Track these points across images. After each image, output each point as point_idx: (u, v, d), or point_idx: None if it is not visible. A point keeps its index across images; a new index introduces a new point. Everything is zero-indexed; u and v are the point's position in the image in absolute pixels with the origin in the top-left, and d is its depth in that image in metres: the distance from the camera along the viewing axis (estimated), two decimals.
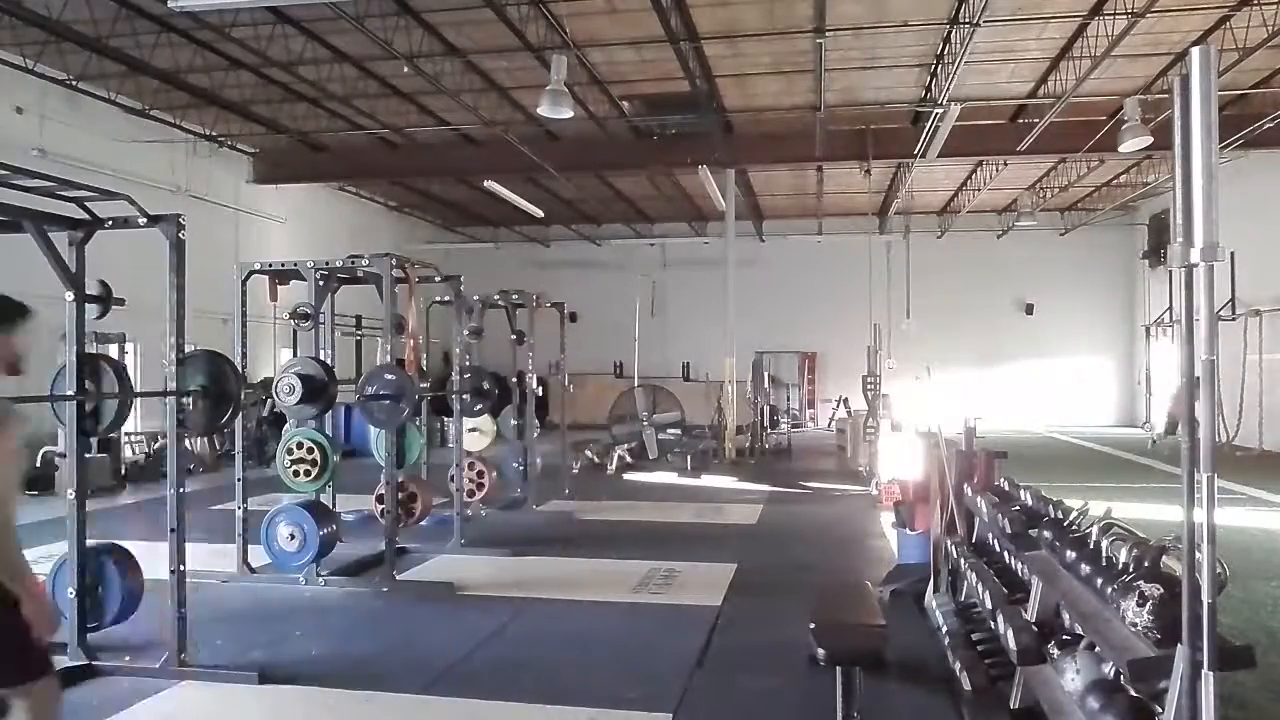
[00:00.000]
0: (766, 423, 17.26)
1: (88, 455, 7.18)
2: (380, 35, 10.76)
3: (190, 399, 4.80)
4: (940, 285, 23.54)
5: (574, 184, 19.34)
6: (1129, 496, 10.05)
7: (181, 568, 4.56)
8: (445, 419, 10.46)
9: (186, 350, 4.70)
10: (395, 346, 6.89)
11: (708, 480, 13.03)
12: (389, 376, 6.50)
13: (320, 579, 6.42)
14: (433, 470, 8.57)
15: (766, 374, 18.90)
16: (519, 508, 9.90)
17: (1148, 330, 22.18)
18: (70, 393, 4.56)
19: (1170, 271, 17.58)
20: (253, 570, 6.54)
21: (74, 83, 12.66)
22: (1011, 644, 3.63)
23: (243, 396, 5.36)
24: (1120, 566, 3.12)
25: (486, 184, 18.00)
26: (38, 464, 11.78)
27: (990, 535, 4.95)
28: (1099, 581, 3.17)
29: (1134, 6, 10.06)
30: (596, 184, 20.17)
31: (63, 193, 4.63)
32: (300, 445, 6.44)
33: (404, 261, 6.96)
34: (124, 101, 13.65)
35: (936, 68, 13.02)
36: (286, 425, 6.79)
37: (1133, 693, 2.86)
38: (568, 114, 11.77)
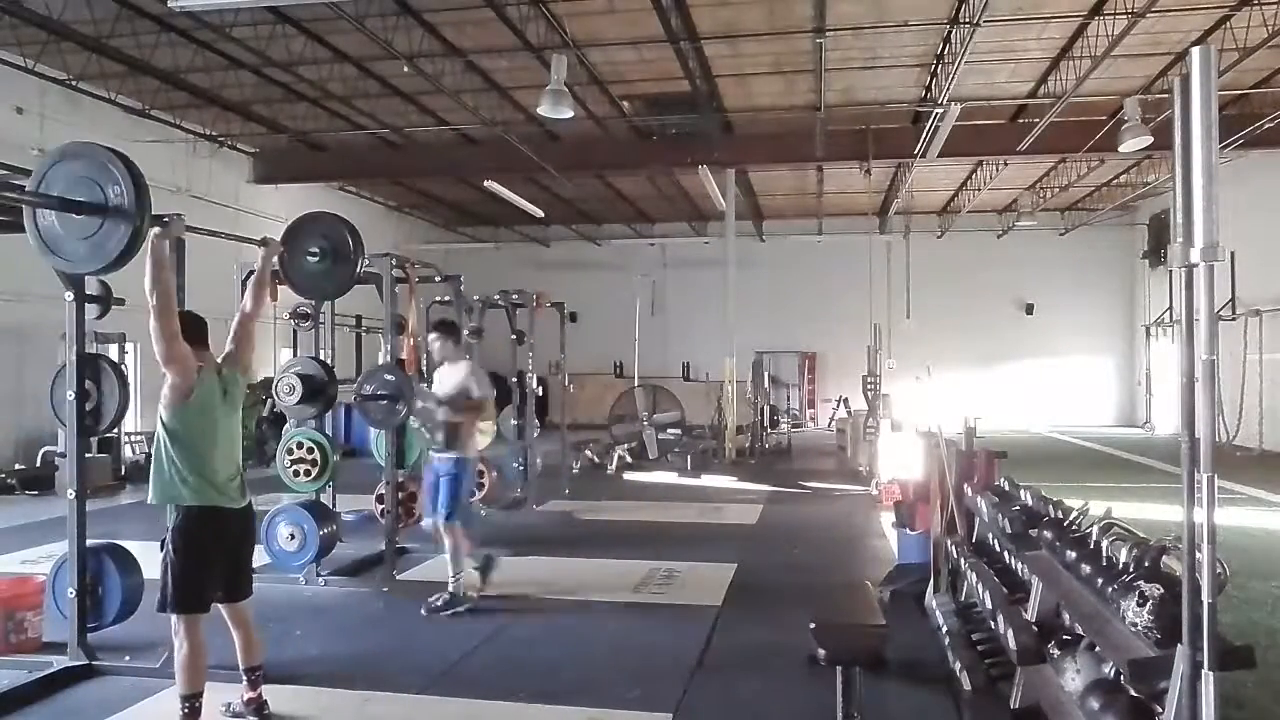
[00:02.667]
0: (766, 423, 17.26)
1: (88, 455, 7.19)
2: (380, 35, 10.76)
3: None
4: (940, 285, 23.54)
5: (574, 184, 19.34)
6: (1129, 496, 10.05)
7: None
8: None
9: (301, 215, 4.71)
10: (395, 346, 6.89)
11: (708, 480, 13.03)
12: (388, 377, 6.49)
13: (320, 579, 6.42)
14: None
15: (766, 374, 18.91)
16: (519, 508, 9.90)
17: (1148, 330, 22.20)
18: (73, 392, 4.55)
19: (1170, 271, 17.61)
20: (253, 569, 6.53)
21: (74, 83, 12.66)
22: (1011, 644, 3.64)
23: (361, 261, 5.47)
24: (1120, 566, 3.12)
25: (486, 184, 18.00)
26: (38, 464, 11.79)
27: (990, 535, 4.95)
28: (1099, 581, 3.17)
29: (1134, 6, 10.06)
30: (596, 184, 20.17)
31: None
32: (300, 445, 6.45)
33: (404, 261, 6.96)
34: (124, 101, 13.65)
35: (936, 68, 13.02)
36: (286, 425, 6.79)
37: (1133, 693, 2.86)
38: (568, 114, 11.77)
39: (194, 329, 3.88)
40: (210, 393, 3.84)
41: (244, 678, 4.02)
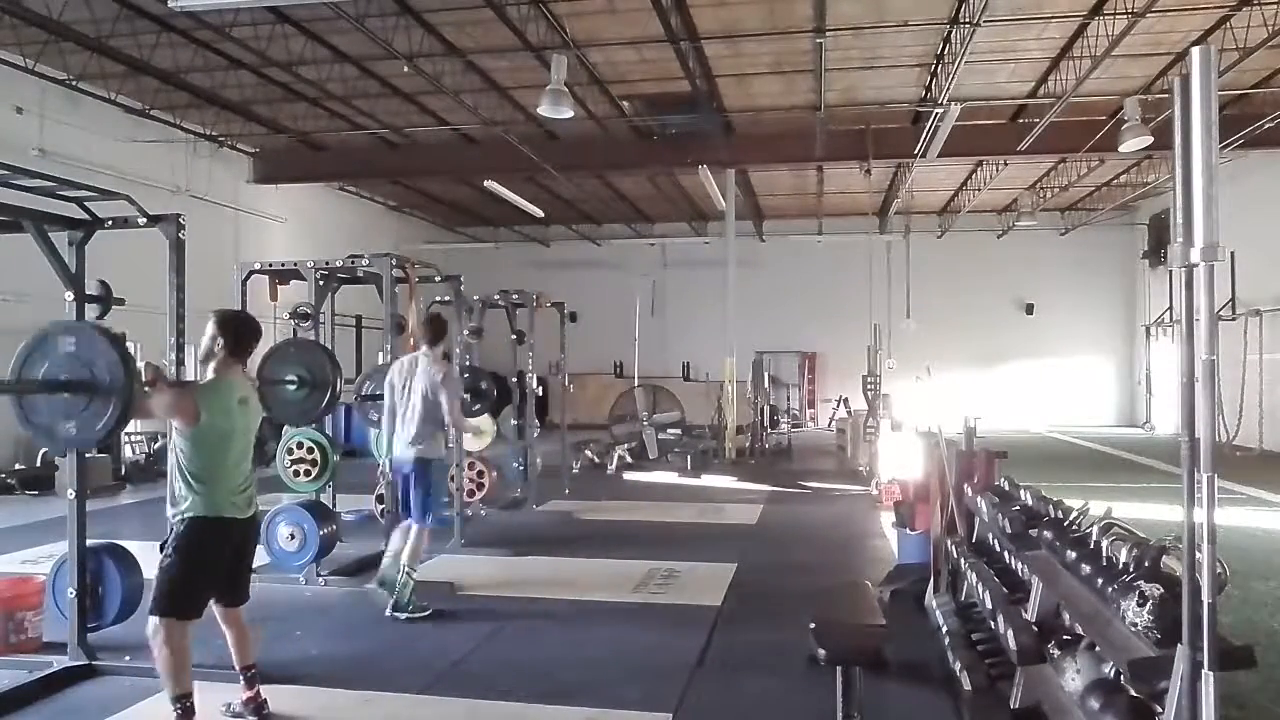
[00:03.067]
0: (766, 423, 17.26)
1: (88, 455, 7.18)
2: (380, 35, 10.76)
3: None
4: (940, 285, 23.54)
5: (574, 184, 19.34)
6: (1129, 496, 10.05)
7: None
8: None
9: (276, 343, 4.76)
10: (395, 346, 6.89)
11: (708, 480, 13.03)
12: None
13: (320, 579, 6.42)
14: None
15: (766, 374, 18.91)
16: (519, 508, 9.90)
17: (1148, 330, 22.20)
18: None
19: (1170, 271, 17.59)
20: (252, 570, 6.53)
21: (74, 83, 12.65)
22: (1011, 644, 3.63)
23: (339, 385, 5.51)
24: (1120, 566, 3.12)
25: (486, 184, 18.00)
26: (38, 464, 11.79)
27: (990, 535, 4.95)
28: (1099, 581, 3.17)
29: (1134, 6, 10.06)
30: (596, 184, 20.17)
31: (63, 193, 4.64)
32: (300, 445, 6.45)
33: (404, 261, 6.96)
34: (124, 101, 13.65)
35: (936, 68, 13.02)
36: (286, 425, 6.79)
37: (1133, 693, 2.86)
38: (568, 114, 11.77)
39: (246, 340, 3.93)
40: (223, 408, 3.82)
41: (240, 678, 4.03)
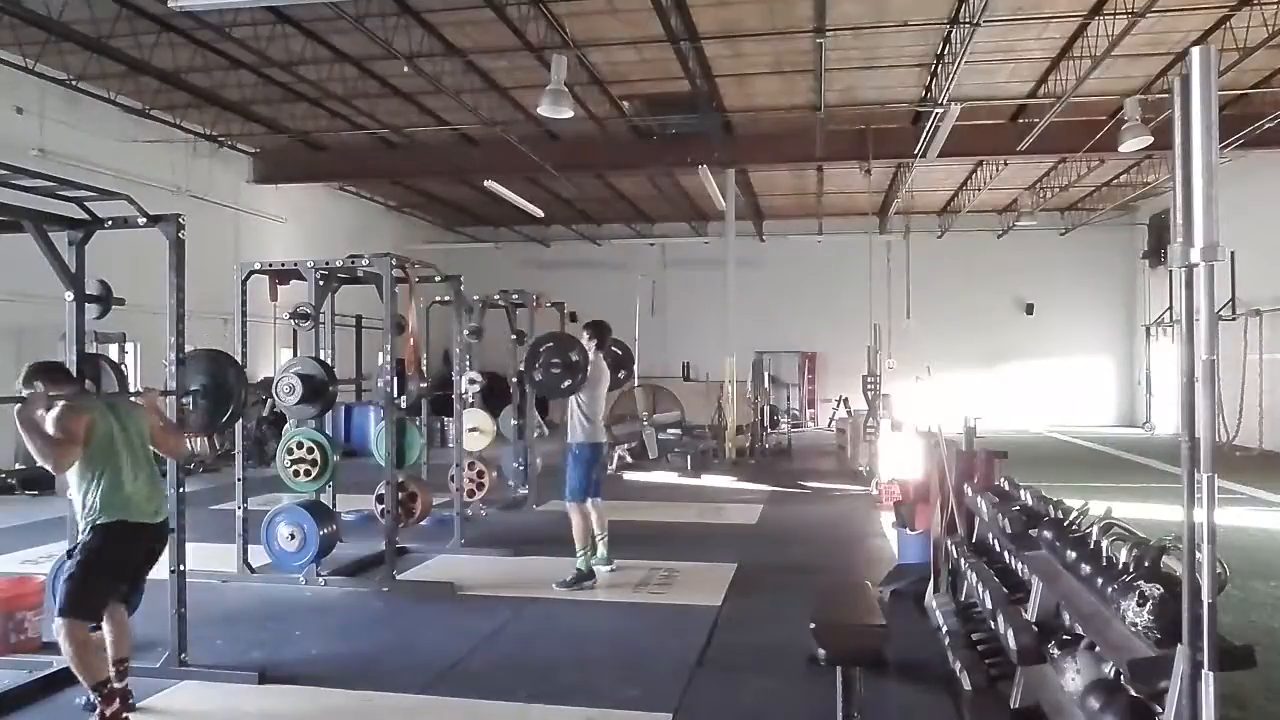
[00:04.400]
0: (766, 423, 17.25)
1: None
2: (380, 35, 10.75)
3: (190, 399, 4.82)
4: (940, 285, 23.53)
5: (574, 184, 19.33)
6: (1129, 496, 10.04)
7: (181, 568, 4.56)
8: (445, 419, 10.45)
9: (187, 350, 4.71)
10: (395, 346, 6.89)
11: (708, 480, 13.03)
12: (557, 344, 6.69)
13: (320, 579, 6.42)
14: (433, 470, 8.58)
15: (766, 374, 18.90)
16: (519, 508, 9.90)
17: (1148, 330, 22.20)
18: None
19: (1170, 271, 17.60)
20: (253, 570, 6.54)
21: (74, 83, 12.65)
22: (1011, 644, 3.63)
23: (245, 396, 5.37)
24: (1120, 566, 3.12)
25: (486, 184, 18.00)
26: (38, 464, 11.77)
27: (990, 535, 4.95)
28: (1099, 581, 3.17)
29: (1134, 6, 10.06)
30: (596, 184, 20.16)
31: (63, 193, 4.63)
32: (300, 445, 6.44)
33: (404, 261, 6.96)
34: (124, 101, 13.65)
35: (936, 68, 13.02)
36: (286, 425, 6.79)
37: (1133, 693, 2.86)
38: (568, 114, 11.77)
39: (49, 369, 4.03)
40: (99, 427, 3.93)
41: (111, 669, 4.02)
